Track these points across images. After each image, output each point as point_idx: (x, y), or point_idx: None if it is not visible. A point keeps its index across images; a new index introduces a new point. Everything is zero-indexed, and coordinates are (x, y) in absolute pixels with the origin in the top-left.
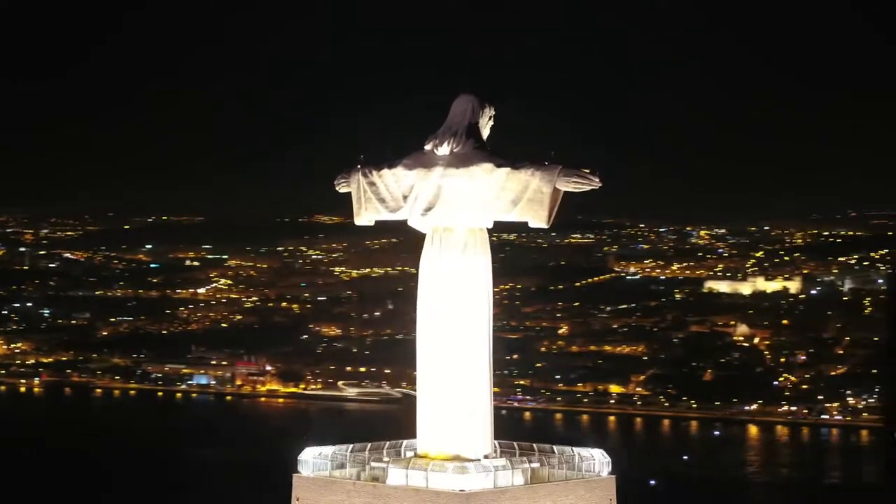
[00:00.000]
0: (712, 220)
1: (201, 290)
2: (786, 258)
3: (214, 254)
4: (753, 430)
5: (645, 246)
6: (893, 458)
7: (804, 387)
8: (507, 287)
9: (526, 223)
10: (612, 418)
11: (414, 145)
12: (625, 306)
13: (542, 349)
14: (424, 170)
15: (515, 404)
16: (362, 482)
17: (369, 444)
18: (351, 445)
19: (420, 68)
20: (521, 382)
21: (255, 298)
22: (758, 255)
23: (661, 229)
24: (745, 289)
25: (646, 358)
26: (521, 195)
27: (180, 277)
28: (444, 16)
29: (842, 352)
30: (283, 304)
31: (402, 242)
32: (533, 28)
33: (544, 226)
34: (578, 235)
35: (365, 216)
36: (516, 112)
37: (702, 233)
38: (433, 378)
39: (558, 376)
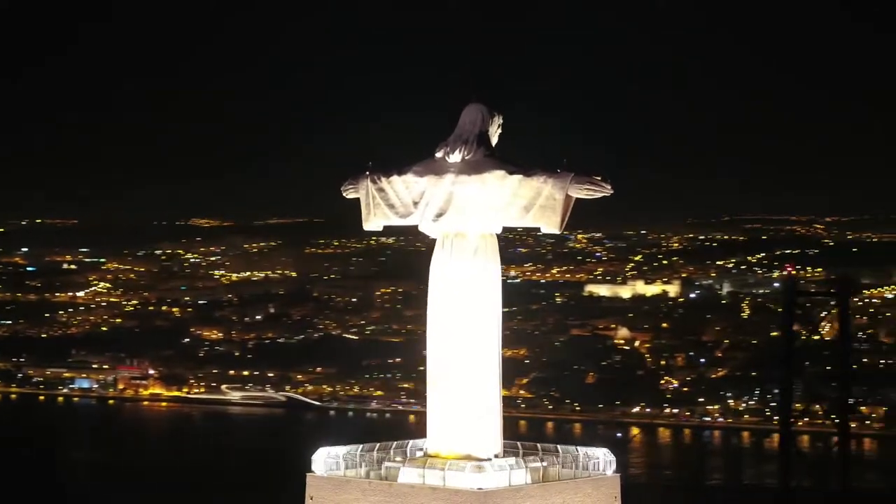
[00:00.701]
0: (591, 224)
1: (80, 294)
2: (664, 262)
3: (92, 257)
4: (636, 432)
5: (523, 250)
6: (792, 462)
7: (685, 389)
8: (387, 291)
9: (538, 229)
10: None
11: (424, 153)
12: (506, 310)
13: (425, 353)
14: (436, 176)
15: (400, 408)
16: (378, 481)
17: (378, 445)
18: (361, 445)
19: (421, 68)
20: (406, 386)
21: (135, 302)
22: (636, 258)
23: (538, 233)
24: (625, 292)
25: (528, 361)
26: (534, 202)
27: (59, 281)
28: (443, 16)
29: (721, 355)
30: (164, 307)
31: (282, 245)
32: (533, 28)
33: (556, 231)
34: None
35: (374, 221)
36: (517, 114)
37: (580, 237)
38: (445, 380)
39: None
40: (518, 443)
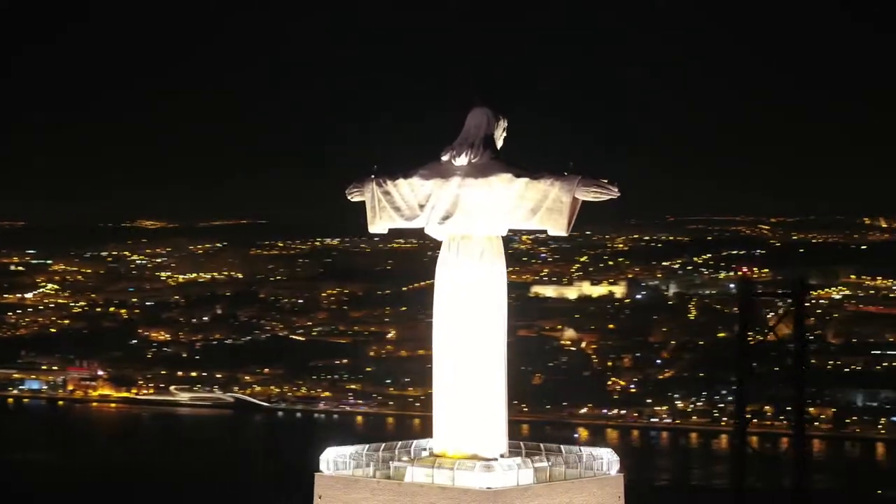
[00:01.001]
0: None
1: (29, 295)
2: (610, 263)
3: (39, 259)
4: (584, 433)
5: None
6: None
7: (633, 390)
8: (333, 292)
9: (544, 231)
10: None
11: (429, 156)
12: None
13: (372, 353)
14: (442, 179)
15: (347, 408)
16: (386, 481)
17: (382, 445)
18: (368, 445)
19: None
20: (353, 387)
21: (83, 303)
22: (582, 259)
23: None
24: (571, 293)
25: None
26: (541, 204)
27: (6, 282)
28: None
29: (668, 356)
30: (112, 308)
31: (227, 247)
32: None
33: (563, 233)
34: (402, 240)
35: (379, 224)
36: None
37: (524, 238)
38: (452, 381)
39: (389, 380)
40: (521, 443)
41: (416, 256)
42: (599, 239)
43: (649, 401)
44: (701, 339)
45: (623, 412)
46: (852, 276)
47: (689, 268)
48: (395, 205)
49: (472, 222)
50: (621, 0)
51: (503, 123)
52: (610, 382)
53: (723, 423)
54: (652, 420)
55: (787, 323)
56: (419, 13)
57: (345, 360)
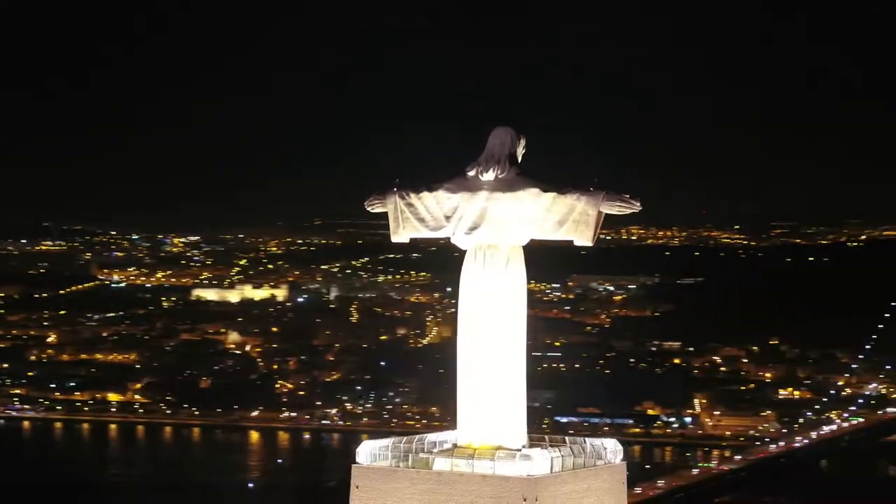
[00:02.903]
0: (188, 228)
1: None
2: (269, 266)
3: None
4: (255, 435)
5: (119, 254)
6: None
7: (301, 393)
8: None
9: (570, 242)
10: (113, 426)
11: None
12: (113, 314)
13: (33, 358)
14: (469, 193)
15: (14, 413)
16: (426, 471)
17: (405, 438)
18: (394, 438)
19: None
20: (17, 392)
21: None
22: (242, 262)
23: (133, 237)
24: (234, 297)
25: (139, 366)
26: (567, 217)
27: None
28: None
29: (333, 358)
30: None
31: None
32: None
33: (590, 244)
34: (49, 243)
35: (403, 234)
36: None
37: (176, 241)
38: (478, 377)
39: (53, 385)
40: (527, 435)
41: (72, 258)
42: (253, 242)
43: (319, 403)
44: (364, 342)
45: (294, 415)
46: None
47: (349, 271)
48: (419, 216)
49: (498, 233)
50: None
51: (523, 141)
52: (278, 385)
53: (392, 424)
54: (324, 422)
55: (448, 326)
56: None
57: (5, 365)
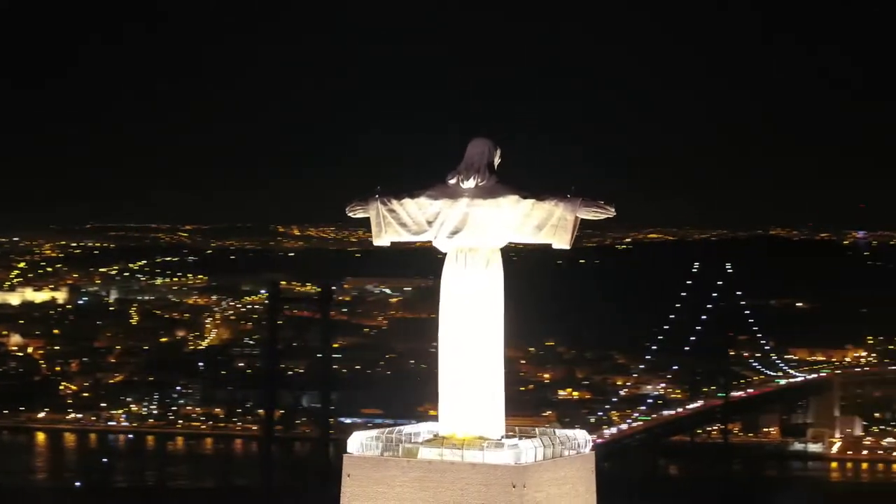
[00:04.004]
0: None
1: None
2: (49, 269)
3: None
4: (42, 436)
5: None
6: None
7: (85, 395)
8: None
9: (548, 245)
10: None
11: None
12: None
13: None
14: (451, 200)
15: None
16: (416, 459)
17: (386, 430)
18: (388, 429)
19: None
20: None
21: None
22: (21, 265)
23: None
24: (14, 299)
25: None
26: (546, 222)
27: None
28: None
29: (115, 360)
30: None
31: None
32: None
33: (567, 247)
34: None
35: (385, 238)
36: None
37: None
38: (459, 373)
39: None
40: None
41: None
42: (28, 245)
43: (104, 404)
44: (145, 344)
45: (80, 416)
46: (283, 283)
47: (126, 274)
48: (401, 221)
49: (479, 237)
50: None
51: (499, 152)
52: (62, 387)
53: (178, 426)
54: (110, 423)
55: (227, 328)
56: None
57: None
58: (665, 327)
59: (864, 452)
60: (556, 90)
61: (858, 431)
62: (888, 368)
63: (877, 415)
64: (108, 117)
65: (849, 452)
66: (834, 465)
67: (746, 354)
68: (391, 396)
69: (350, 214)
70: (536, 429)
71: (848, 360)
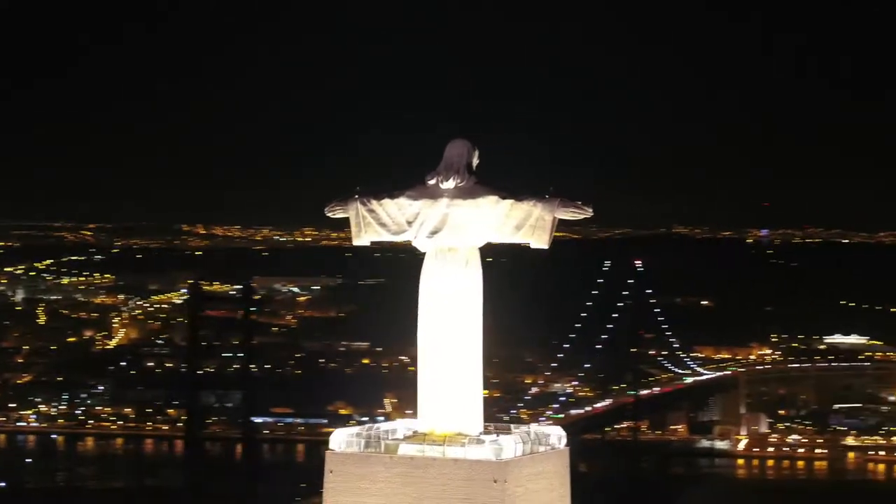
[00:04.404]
0: None
1: None
2: None
3: None
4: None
5: None
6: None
7: None
8: None
9: (527, 245)
10: None
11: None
12: None
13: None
14: (431, 200)
15: None
16: (399, 455)
17: (366, 427)
18: (368, 426)
19: None
20: None
21: None
22: None
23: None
24: None
25: None
26: (524, 222)
27: None
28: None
29: (23, 360)
30: None
31: None
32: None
33: (545, 247)
34: None
35: (364, 237)
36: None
37: None
38: (438, 367)
39: None
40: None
41: None
42: None
43: (13, 405)
44: (53, 344)
45: None
46: (190, 282)
47: (33, 273)
48: (380, 221)
49: (459, 237)
50: None
51: (477, 153)
52: None
53: (88, 426)
54: (19, 424)
55: (135, 328)
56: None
57: None
58: (577, 325)
59: (770, 449)
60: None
61: (764, 429)
62: (792, 366)
63: (781, 412)
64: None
65: (755, 449)
66: (740, 461)
67: (653, 352)
68: (302, 395)
69: (329, 214)
70: (511, 425)
71: (752, 357)
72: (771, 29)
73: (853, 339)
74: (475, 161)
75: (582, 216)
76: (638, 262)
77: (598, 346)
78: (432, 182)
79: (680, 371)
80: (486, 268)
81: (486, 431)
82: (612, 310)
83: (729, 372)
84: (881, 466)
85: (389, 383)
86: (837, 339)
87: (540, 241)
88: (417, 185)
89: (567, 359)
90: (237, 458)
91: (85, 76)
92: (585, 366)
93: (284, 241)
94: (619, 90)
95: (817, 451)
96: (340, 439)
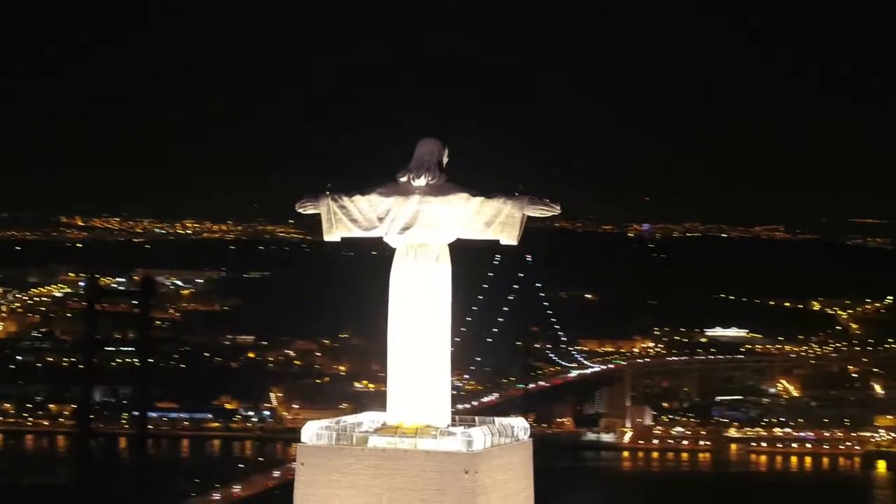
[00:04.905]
0: None
1: None
2: None
3: None
4: None
5: None
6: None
7: None
8: None
9: (496, 241)
10: None
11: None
12: None
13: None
14: (402, 197)
15: None
16: (370, 447)
17: (334, 420)
18: (337, 419)
19: None
20: None
21: None
22: None
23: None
24: None
25: None
26: (494, 219)
27: None
28: None
29: None
30: None
31: None
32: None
33: (515, 243)
34: None
35: (336, 233)
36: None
37: None
38: (408, 363)
39: None
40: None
41: None
42: None
43: None
44: None
45: None
46: (71, 275)
47: None
48: (351, 217)
49: (430, 233)
50: None
51: (447, 151)
52: None
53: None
54: None
55: (13, 321)
56: None
57: None
58: (468, 319)
59: (655, 441)
60: None
61: (648, 421)
62: (674, 359)
63: (665, 404)
64: None
65: (640, 442)
66: (626, 454)
67: (538, 346)
68: (186, 389)
69: (300, 210)
70: (476, 417)
71: (636, 350)
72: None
73: (733, 332)
74: (445, 159)
75: (550, 213)
76: (528, 257)
77: (489, 340)
78: (403, 179)
79: (566, 364)
80: (368, 262)
81: (455, 424)
82: (503, 303)
83: (613, 365)
84: (763, 458)
85: (275, 377)
86: (718, 332)
87: (510, 237)
88: (389, 183)
89: (456, 352)
90: (126, 454)
91: None
92: (477, 359)
93: (165, 233)
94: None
95: (701, 442)
96: (311, 432)
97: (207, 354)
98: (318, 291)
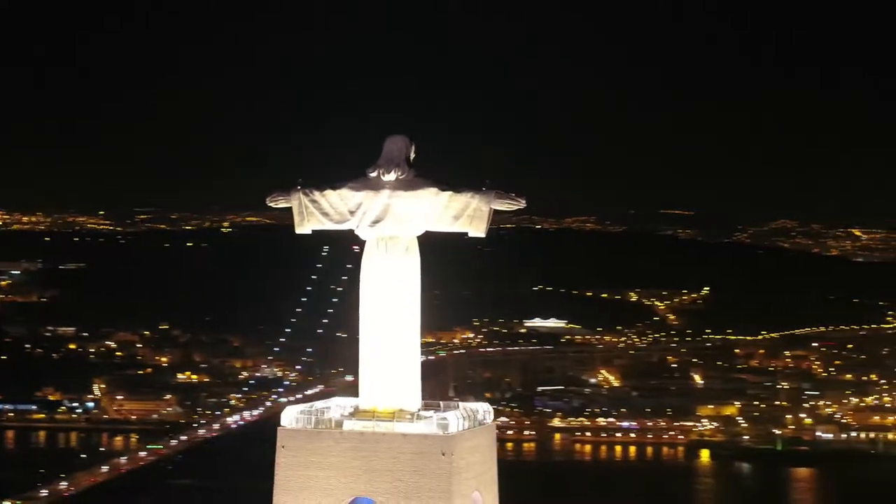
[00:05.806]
0: None
1: None
2: None
3: None
4: None
5: None
6: None
7: None
8: None
9: (464, 234)
10: None
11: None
12: None
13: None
14: (373, 191)
15: None
16: (349, 431)
17: (311, 405)
18: (311, 404)
19: None
20: None
21: None
22: None
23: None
24: None
25: None
26: (462, 212)
27: None
28: None
29: None
30: None
31: None
32: None
33: (483, 235)
34: None
35: (307, 226)
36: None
37: None
38: (380, 351)
39: None
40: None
41: None
42: None
43: None
44: None
45: None
46: None
47: None
48: (322, 210)
49: (400, 226)
50: None
51: (414, 146)
52: None
53: None
54: None
55: None
56: None
57: None
58: (298, 310)
59: None
60: None
61: None
62: (495, 349)
63: (488, 395)
64: None
65: None
66: None
67: None
68: (8, 381)
69: (271, 204)
70: (441, 402)
71: (457, 341)
72: None
73: (552, 322)
74: (412, 154)
75: (516, 207)
76: (356, 247)
77: (319, 331)
78: (374, 175)
79: None
80: (184, 253)
81: (425, 408)
82: (330, 295)
83: (434, 357)
84: (588, 447)
85: (98, 368)
86: (538, 322)
87: (477, 230)
88: (359, 178)
89: (273, 343)
90: None
91: None
92: (308, 350)
93: None
94: None
95: (526, 432)
96: (291, 416)
97: (28, 346)
98: (135, 283)
